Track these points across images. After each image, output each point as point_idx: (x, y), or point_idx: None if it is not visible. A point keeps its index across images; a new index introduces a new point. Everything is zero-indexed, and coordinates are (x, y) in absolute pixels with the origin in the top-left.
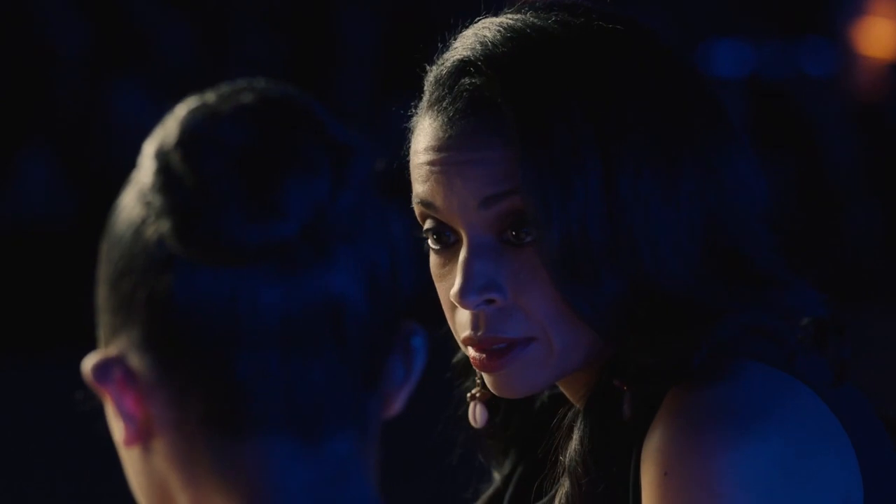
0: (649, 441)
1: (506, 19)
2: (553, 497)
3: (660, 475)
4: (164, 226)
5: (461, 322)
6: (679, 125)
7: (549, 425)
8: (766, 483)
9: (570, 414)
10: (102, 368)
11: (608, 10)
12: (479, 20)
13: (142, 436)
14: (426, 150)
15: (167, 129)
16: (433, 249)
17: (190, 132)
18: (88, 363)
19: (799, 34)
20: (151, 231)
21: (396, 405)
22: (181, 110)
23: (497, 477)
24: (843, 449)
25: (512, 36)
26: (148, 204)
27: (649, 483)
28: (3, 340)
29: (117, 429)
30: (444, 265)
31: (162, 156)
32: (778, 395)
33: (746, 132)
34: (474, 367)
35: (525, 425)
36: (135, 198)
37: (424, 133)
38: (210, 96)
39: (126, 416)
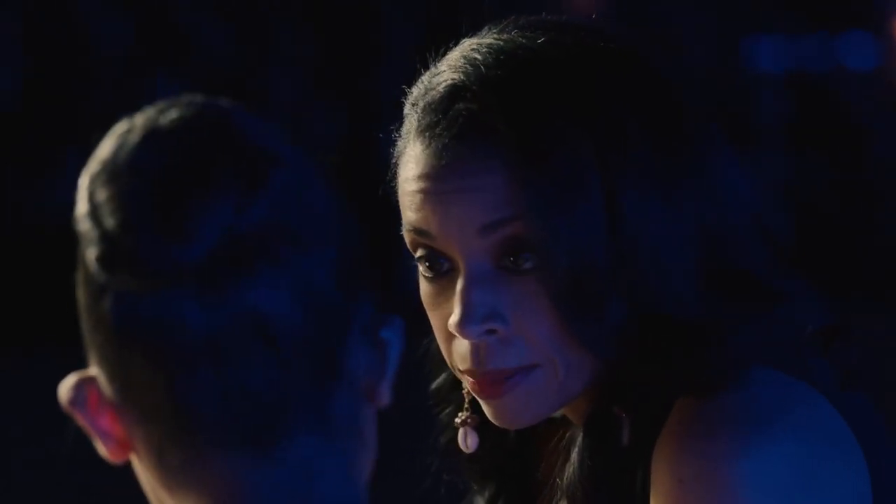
0: (661, 451)
1: (493, 40)
2: None
3: (674, 483)
4: (93, 254)
5: (460, 353)
6: (675, 143)
7: (535, 446)
8: (782, 487)
9: (567, 436)
10: (76, 389)
11: (593, 26)
12: (463, 42)
13: (124, 450)
14: (419, 177)
15: (97, 155)
16: (425, 277)
17: (112, 158)
18: (64, 384)
19: (840, 27)
20: (90, 259)
21: (382, 396)
22: (111, 135)
23: (480, 500)
24: (854, 454)
25: (504, 59)
26: (85, 232)
27: (663, 493)
28: (39, 332)
29: (99, 446)
30: (437, 294)
31: (89, 183)
32: (791, 401)
33: (786, 128)
34: (473, 393)
35: (510, 447)
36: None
37: (416, 160)
38: (138, 118)
39: (103, 435)
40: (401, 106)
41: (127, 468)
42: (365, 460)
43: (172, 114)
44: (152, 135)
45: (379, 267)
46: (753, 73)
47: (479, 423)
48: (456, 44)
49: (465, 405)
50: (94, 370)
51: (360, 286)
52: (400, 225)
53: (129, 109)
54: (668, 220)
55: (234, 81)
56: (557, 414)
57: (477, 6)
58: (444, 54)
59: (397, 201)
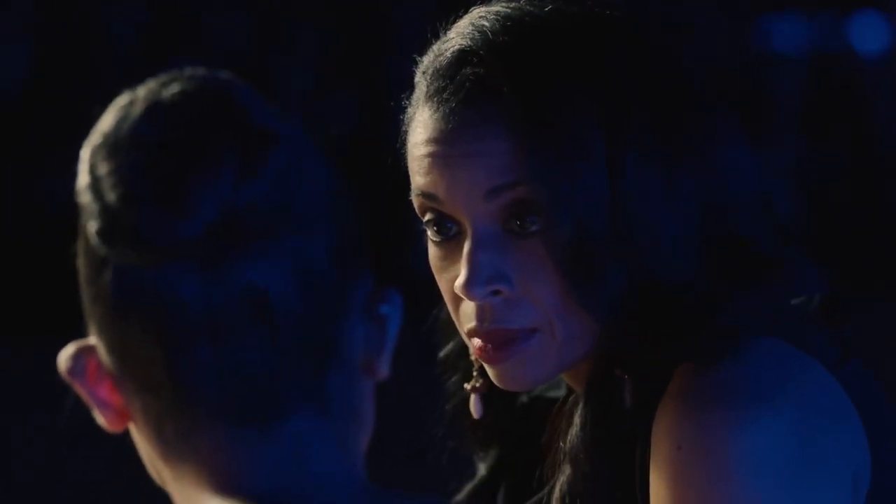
0: (661, 418)
1: (501, 8)
2: (554, 484)
3: (673, 450)
4: (93, 227)
5: (465, 313)
6: (678, 115)
7: (537, 417)
8: (780, 458)
9: (570, 400)
10: (75, 358)
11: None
12: (473, 9)
13: (123, 419)
14: (427, 141)
15: (98, 128)
16: (433, 241)
17: (113, 131)
18: (64, 353)
19: (854, 8)
20: (91, 231)
21: (381, 371)
22: (112, 107)
23: (482, 467)
24: (854, 426)
25: (511, 25)
26: (86, 204)
27: (661, 458)
28: (42, 330)
29: (98, 415)
30: (445, 257)
31: (91, 156)
32: (790, 371)
33: (799, 109)
34: (478, 357)
35: (512, 417)
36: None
37: (424, 125)
38: (140, 91)
39: (101, 404)
40: (411, 90)
41: (130, 467)
42: (361, 436)
43: (174, 87)
44: (154, 108)
45: (392, 249)
46: (766, 53)
47: (487, 390)
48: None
49: (474, 372)
50: (93, 340)
51: (358, 263)
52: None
53: None
54: (670, 190)
55: (246, 70)
56: (561, 383)
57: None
58: (454, 23)
59: (407, 168)
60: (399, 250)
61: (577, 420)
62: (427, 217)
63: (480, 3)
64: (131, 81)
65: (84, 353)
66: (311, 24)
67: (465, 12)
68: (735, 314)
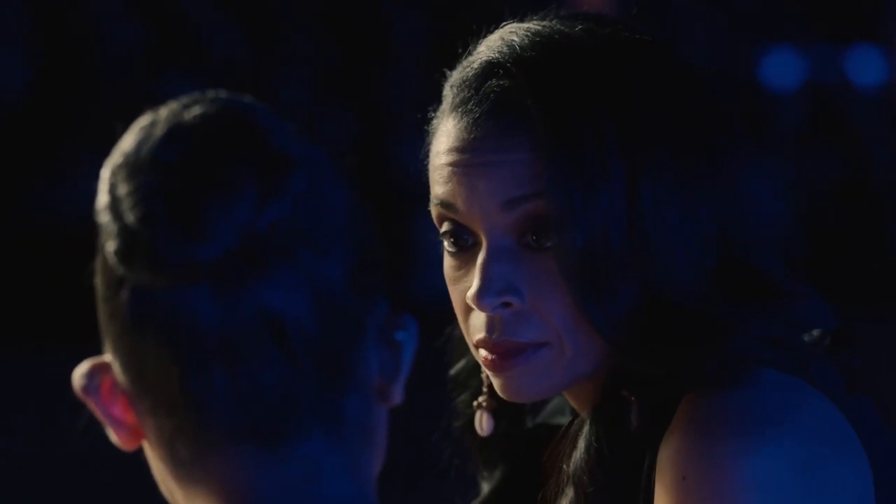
0: (666, 446)
1: (532, 25)
2: None
3: (678, 479)
4: (111, 246)
5: (475, 325)
6: (697, 140)
7: (541, 442)
8: (783, 488)
9: (575, 423)
10: (90, 376)
11: (631, 23)
12: (504, 25)
13: (136, 438)
14: (449, 151)
15: (120, 147)
16: (449, 252)
17: (134, 152)
18: (78, 371)
19: (850, 41)
20: (109, 251)
21: (395, 396)
22: (134, 127)
23: (485, 487)
24: (857, 456)
25: (540, 41)
26: (104, 224)
27: (666, 487)
28: (48, 332)
29: (111, 433)
30: (459, 268)
31: (111, 175)
32: (794, 401)
33: (795, 140)
34: (484, 366)
35: (518, 439)
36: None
37: (447, 134)
38: (162, 112)
39: (115, 423)
40: (409, 107)
41: (137, 473)
42: (374, 461)
43: (196, 109)
44: (175, 130)
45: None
46: (764, 83)
47: (496, 408)
48: (464, 45)
49: (484, 389)
50: (108, 357)
51: (375, 288)
52: (408, 222)
53: (139, 109)
54: (685, 213)
55: (244, 81)
56: (566, 410)
57: (484, 9)
58: (458, 53)
59: (427, 178)
60: (399, 271)
61: (581, 443)
62: (444, 228)
63: (473, 22)
64: (128, 92)
65: (99, 371)
66: (308, 37)
67: (464, 45)
68: (743, 341)
